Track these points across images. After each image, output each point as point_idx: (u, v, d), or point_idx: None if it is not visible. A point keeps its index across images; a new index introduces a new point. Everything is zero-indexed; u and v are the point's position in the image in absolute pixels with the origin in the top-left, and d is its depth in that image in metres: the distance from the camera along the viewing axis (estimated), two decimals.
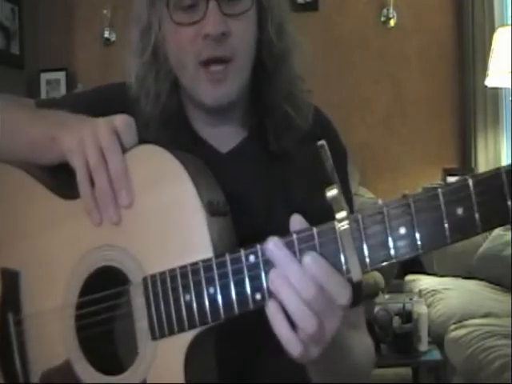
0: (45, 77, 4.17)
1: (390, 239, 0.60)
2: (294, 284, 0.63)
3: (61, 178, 0.81)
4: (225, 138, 0.92)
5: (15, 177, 0.84)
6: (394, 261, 0.61)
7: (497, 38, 3.36)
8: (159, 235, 0.72)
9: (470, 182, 0.57)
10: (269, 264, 0.65)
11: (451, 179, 3.78)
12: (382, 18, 4.07)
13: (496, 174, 0.56)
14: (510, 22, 3.55)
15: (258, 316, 0.65)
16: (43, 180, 0.82)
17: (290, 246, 0.64)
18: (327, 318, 0.64)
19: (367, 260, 0.61)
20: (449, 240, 0.59)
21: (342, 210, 0.62)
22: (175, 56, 0.87)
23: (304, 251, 0.63)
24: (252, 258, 0.66)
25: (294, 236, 0.64)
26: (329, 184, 0.63)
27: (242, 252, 0.66)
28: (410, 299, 2.73)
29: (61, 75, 4.18)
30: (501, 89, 3.70)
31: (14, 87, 3.96)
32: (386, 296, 2.92)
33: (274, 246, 0.64)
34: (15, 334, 0.82)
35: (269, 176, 0.91)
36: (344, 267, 0.63)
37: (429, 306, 2.87)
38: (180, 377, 0.70)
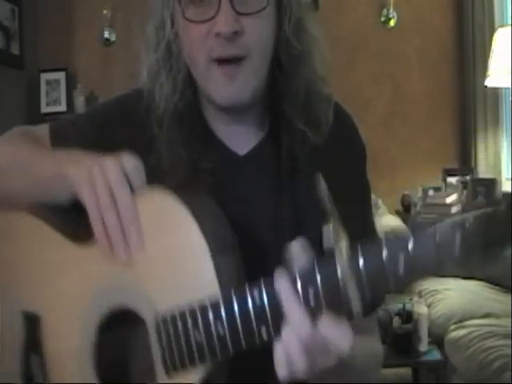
0: (45, 77, 4.16)
1: (389, 276, 0.62)
2: (292, 321, 0.64)
3: (72, 219, 0.81)
4: (242, 138, 0.90)
5: (29, 223, 0.84)
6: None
7: (497, 39, 3.36)
8: (168, 276, 0.73)
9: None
10: (273, 299, 0.66)
11: (451, 179, 3.78)
12: (382, 18, 4.07)
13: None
14: (510, 22, 3.55)
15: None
16: (56, 225, 0.83)
17: (292, 283, 0.65)
18: (320, 358, 0.64)
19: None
20: None
21: (341, 240, 0.64)
22: (187, 52, 0.85)
23: (307, 286, 0.64)
24: (256, 293, 0.67)
25: (297, 273, 0.65)
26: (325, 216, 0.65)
27: (247, 288, 0.67)
28: (410, 299, 2.73)
29: (61, 75, 4.17)
30: (501, 89, 3.70)
31: (14, 87, 3.97)
32: None
33: (278, 281, 0.65)
34: (40, 375, 0.82)
35: (280, 183, 0.89)
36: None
37: (429, 306, 2.86)
38: None
